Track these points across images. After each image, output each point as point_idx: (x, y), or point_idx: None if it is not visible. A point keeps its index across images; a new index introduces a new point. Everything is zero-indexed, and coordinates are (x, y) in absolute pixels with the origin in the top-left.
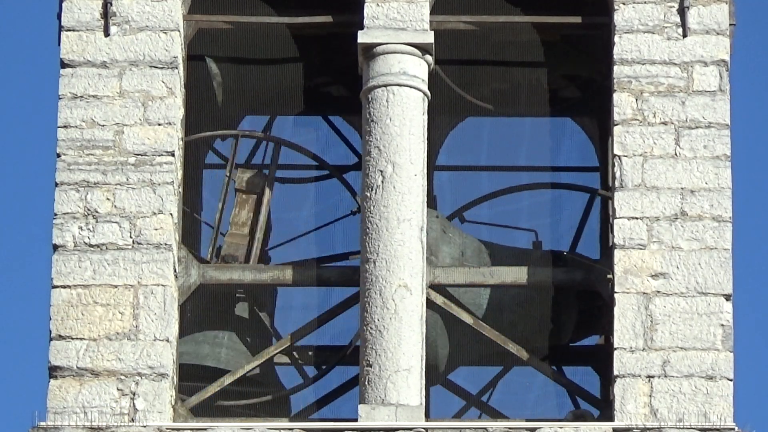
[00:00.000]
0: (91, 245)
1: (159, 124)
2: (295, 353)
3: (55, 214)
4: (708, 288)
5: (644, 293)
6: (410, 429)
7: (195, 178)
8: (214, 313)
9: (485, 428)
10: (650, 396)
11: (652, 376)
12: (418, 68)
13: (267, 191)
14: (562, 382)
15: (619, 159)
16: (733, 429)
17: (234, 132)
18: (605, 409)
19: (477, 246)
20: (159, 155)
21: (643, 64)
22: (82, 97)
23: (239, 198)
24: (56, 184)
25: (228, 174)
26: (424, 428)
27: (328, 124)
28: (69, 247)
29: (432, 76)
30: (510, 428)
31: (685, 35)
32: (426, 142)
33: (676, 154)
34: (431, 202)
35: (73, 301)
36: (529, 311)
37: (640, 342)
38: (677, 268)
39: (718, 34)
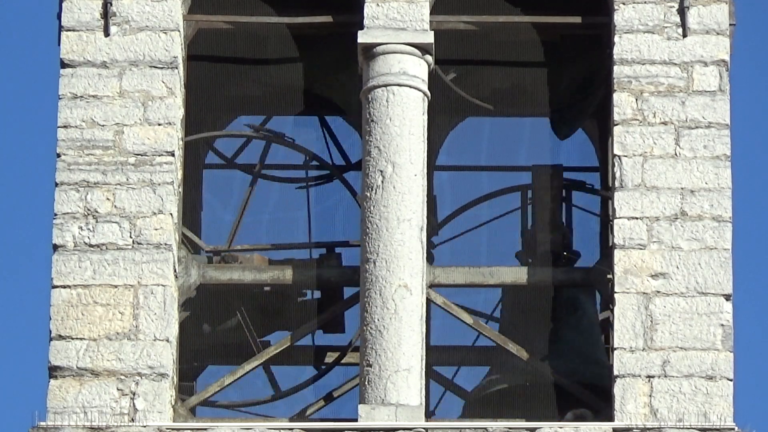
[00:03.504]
0: (91, 245)
1: (159, 124)
2: (295, 353)
3: (55, 214)
4: (708, 288)
5: (644, 293)
6: (410, 429)
7: (195, 178)
8: (214, 313)
9: (485, 428)
10: (650, 396)
11: (652, 376)
12: (418, 68)
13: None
14: (562, 382)
15: (619, 159)
16: (733, 429)
17: (234, 132)
18: (605, 409)
19: None
20: (159, 155)
21: (643, 64)
22: (82, 97)
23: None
24: (56, 184)
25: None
26: (424, 428)
27: (327, 124)
28: (69, 247)
29: (432, 76)
30: (510, 428)
31: (685, 35)
32: (426, 142)
33: (676, 154)
34: (431, 202)
35: (73, 301)
36: (529, 311)
37: (640, 342)
38: (677, 268)
39: (718, 34)
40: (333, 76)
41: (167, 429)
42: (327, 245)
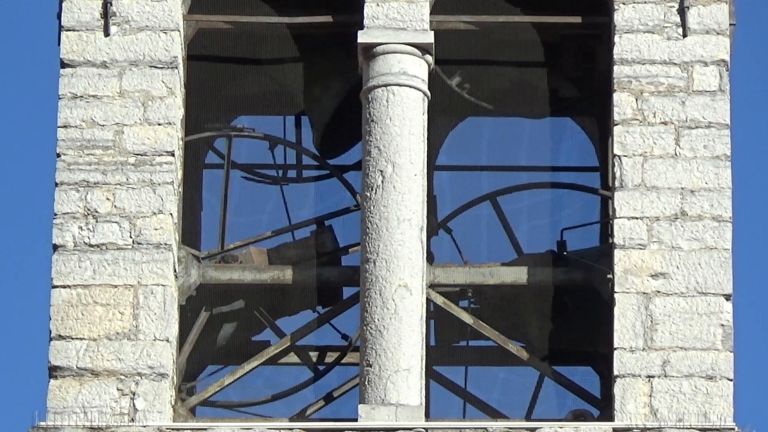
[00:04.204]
0: (91, 245)
1: (159, 124)
2: (295, 353)
3: (55, 214)
4: (708, 288)
5: (644, 293)
6: (410, 429)
7: (195, 178)
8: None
9: (485, 428)
10: (650, 396)
11: (652, 376)
12: (418, 68)
13: (326, 256)
14: (562, 382)
15: (619, 159)
16: (733, 429)
17: (234, 132)
18: (605, 409)
19: None
20: (159, 155)
21: (643, 64)
22: (82, 97)
23: (305, 240)
24: (56, 184)
25: (226, 173)
26: (424, 428)
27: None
28: (69, 247)
29: (432, 76)
30: (510, 428)
31: (685, 35)
32: (426, 142)
33: (676, 154)
34: (431, 202)
35: (73, 301)
36: (529, 311)
37: (640, 342)
38: (677, 268)
39: (718, 34)
40: (333, 76)
41: (167, 429)
42: (320, 219)
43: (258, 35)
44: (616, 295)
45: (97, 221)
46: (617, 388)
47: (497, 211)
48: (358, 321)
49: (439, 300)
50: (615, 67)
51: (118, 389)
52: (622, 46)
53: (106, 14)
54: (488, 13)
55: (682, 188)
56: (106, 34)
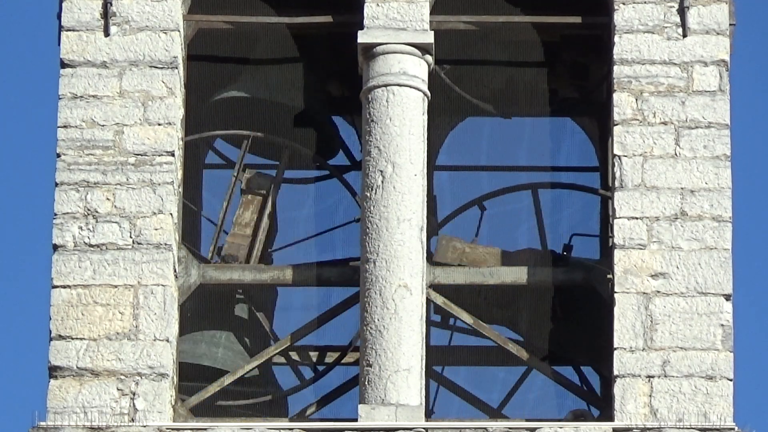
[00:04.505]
0: (91, 245)
1: (159, 124)
2: (294, 353)
3: (55, 214)
4: (708, 288)
5: (644, 293)
6: (410, 429)
7: (195, 178)
8: (214, 313)
9: (485, 428)
10: (650, 396)
11: (652, 376)
12: (418, 68)
13: (273, 192)
14: (562, 382)
15: (619, 159)
16: (733, 429)
17: (234, 132)
18: (605, 409)
19: None
20: (159, 155)
21: (643, 64)
22: (82, 97)
23: (244, 198)
24: (56, 184)
25: (235, 174)
26: (424, 428)
27: (328, 124)
28: (69, 247)
29: (432, 76)
30: (510, 428)
31: (685, 35)
32: (426, 142)
33: (676, 154)
34: (431, 202)
35: (73, 301)
36: (528, 311)
37: (640, 342)
38: (677, 268)
39: (718, 34)
40: (333, 75)
41: (167, 429)
42: (243, 168)
43: (258, 35)
44: (616, 295)
45: (97, 221)
46: (617, 388)
47: (535, 202)
48: (358, 321)
49: (439, 300)
50: (615, 67)
51: (118, 389)
52: (622, 46)
53: (106, 14)
54: (488, 13)
55: (682, 188)
56: (106, 34)
